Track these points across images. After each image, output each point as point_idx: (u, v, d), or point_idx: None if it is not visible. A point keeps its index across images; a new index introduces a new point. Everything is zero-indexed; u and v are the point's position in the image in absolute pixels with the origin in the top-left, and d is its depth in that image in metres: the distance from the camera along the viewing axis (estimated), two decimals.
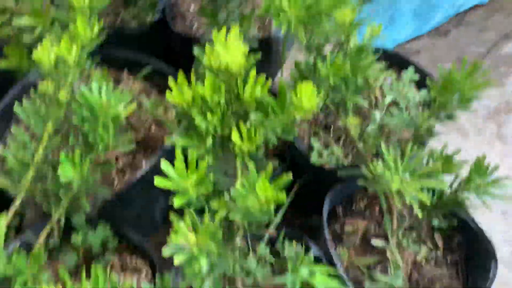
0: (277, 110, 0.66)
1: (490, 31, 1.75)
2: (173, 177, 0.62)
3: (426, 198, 0.65)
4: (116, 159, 0.93)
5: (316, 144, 1.00)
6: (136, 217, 0.95)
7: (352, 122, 0.78)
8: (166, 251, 0.59)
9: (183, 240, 0.59)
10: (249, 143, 0.67)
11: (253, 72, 0.65)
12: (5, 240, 0.70)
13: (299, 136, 1.02)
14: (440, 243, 0.91)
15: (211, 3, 0.98)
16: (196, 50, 0.72)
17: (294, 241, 0.85)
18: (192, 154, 0.63)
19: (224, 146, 0.71)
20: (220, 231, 0.64)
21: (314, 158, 0.97)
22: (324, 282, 0.70)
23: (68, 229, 0.84)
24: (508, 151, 1.39)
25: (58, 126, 0.74)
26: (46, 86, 0.73)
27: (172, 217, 0.60)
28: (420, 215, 0.65)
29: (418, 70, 1.12)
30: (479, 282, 0.82)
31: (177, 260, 0.59)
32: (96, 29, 0.75)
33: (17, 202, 0.73)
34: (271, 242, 0.87)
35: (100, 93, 0.72)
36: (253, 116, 0.66)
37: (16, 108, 0.72)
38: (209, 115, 0.65)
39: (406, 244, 0.89)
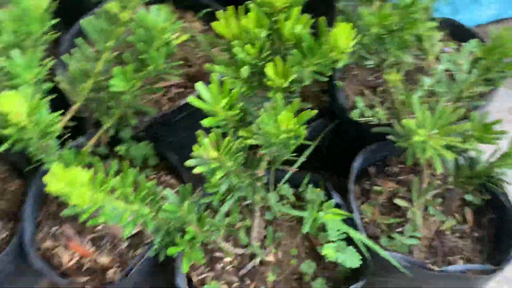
0: (315, 48, 0.68)
1: None
2: (206, 98, 0.67)
3: (450, 155, 0.64)
4: (169, 88, 1.01)
5: (360, 104, 1.01)
6: (179, 146, 1.02)
7: (392, 78, 0.77)
8: (189, 162, 0.65)
9: (204, 153, 0.64)
10: (283, 79, 0.70)
11: (295, 10, 0.68)
12: (59, 138, 0.80)
13: (345, 94, 1.03)
14: (469, 217, 0.89)
15: None
16: None
17: (318, 189, 0.88)
18: (226, 81, 0.67)
19: (261, 81, 0.75)
20: (241, 154, 0.68)
21: (354, 115, 0.98)
22: (335, 222, 0.73)
23: (118, 143, 0.93)
24: None
25: (118, 44, 0.82)
26: (112, 6, 0.80)
27: (199, 132, 0.65)
28: (439, 169, 0.64)
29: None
30: (501, 261, 0.80)
31: (197, 170, 0.64)
32: None
33: (75, 107, 0.83)
34: (296, 186, 0.90)
35: (157, 17, 0.79)
36: (293, 52, 0.69)
37: (83, 22, 0.80)
38: (248, 46, 0.69)
39: (432, 212, 0.88)
